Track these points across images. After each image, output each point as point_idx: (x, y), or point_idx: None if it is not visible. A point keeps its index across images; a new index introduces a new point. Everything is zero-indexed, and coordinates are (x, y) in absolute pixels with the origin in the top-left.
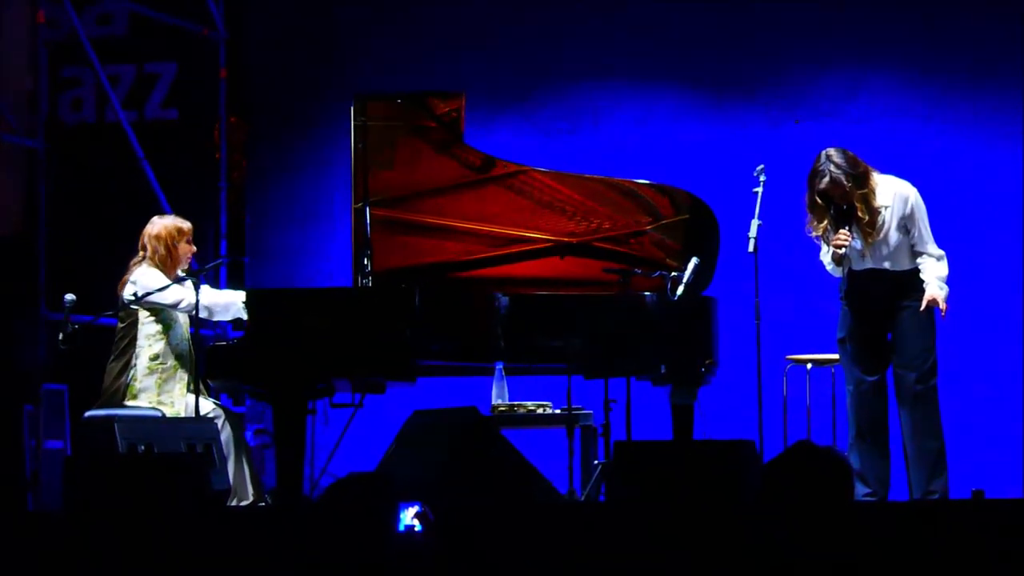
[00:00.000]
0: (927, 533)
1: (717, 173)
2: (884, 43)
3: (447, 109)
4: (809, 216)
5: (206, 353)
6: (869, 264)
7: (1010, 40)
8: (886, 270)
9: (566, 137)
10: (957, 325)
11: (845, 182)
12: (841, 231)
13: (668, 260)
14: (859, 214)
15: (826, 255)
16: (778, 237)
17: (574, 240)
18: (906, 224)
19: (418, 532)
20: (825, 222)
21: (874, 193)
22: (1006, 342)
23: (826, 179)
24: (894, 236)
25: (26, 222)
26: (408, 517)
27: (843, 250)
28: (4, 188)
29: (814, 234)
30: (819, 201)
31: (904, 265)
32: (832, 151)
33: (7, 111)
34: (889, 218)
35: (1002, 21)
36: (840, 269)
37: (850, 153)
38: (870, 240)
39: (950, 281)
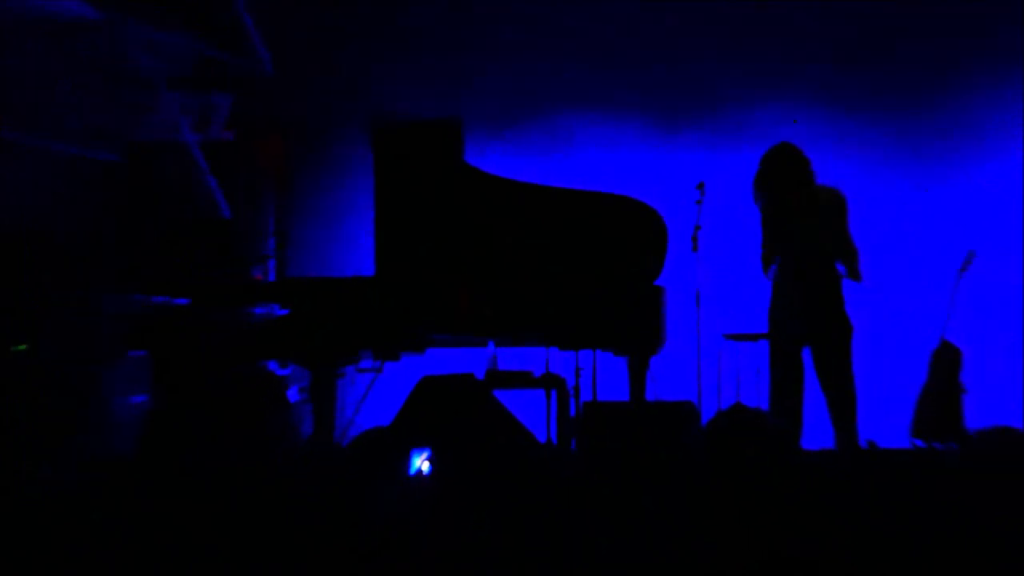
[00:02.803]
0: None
1: (666, 186)
2: (806, 80)
3: (450, 131)
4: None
5: (256, 329)
6: None
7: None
8: None
9: (545, 156)
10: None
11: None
12: None
13: (626, 256)
14: None
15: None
16: (715, 238)
17: (550, 238)
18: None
19: (426, 474)
20: None
21: None
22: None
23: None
24: None
25: (103, 222)
26: (418, 462)
27: None
28: (86, 196)
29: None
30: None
31: None
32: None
33: (90, 133)
34: None
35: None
36: None
37: None
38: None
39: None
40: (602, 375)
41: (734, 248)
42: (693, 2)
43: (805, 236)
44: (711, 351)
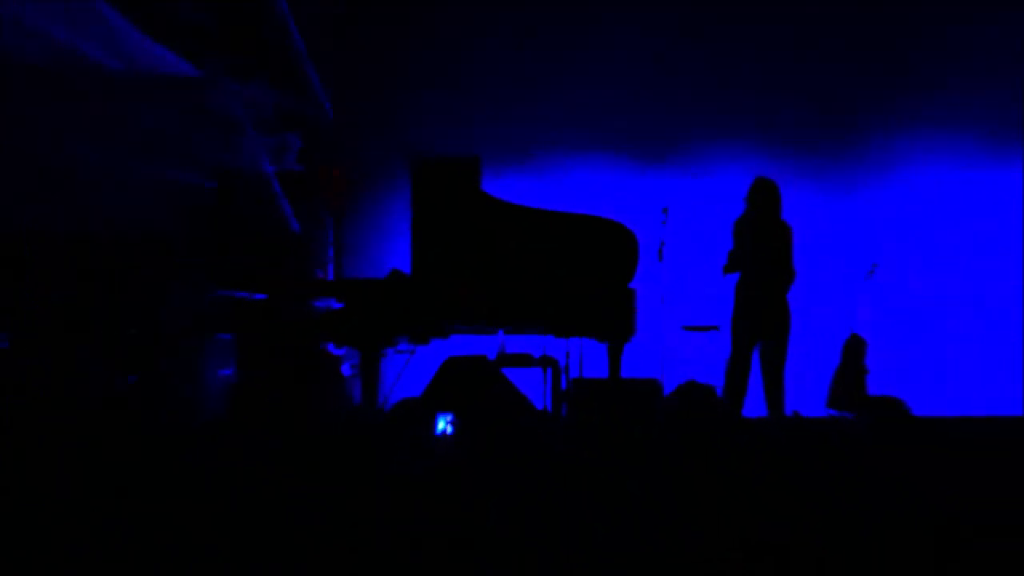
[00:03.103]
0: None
1: (638, 210)
2: (744, 126)
3: (471, 167)
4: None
5: (317, 318)
6: None
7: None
8: None
9: (545, 183)
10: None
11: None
12: None
13: (607, 264)
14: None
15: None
16: (676, 251)
17: (548, 250)
18: None
19: (449, 433)
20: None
21: None
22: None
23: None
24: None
25: (201, 230)
26: (443, 424)
27: None
28: (191, 213)
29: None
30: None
31: None
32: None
33: (194, 165)
34: None
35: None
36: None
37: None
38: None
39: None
40: (587, 357)
41: (691, 258)
42: (656, 70)
43: (770, 257)
44: (672, 340)
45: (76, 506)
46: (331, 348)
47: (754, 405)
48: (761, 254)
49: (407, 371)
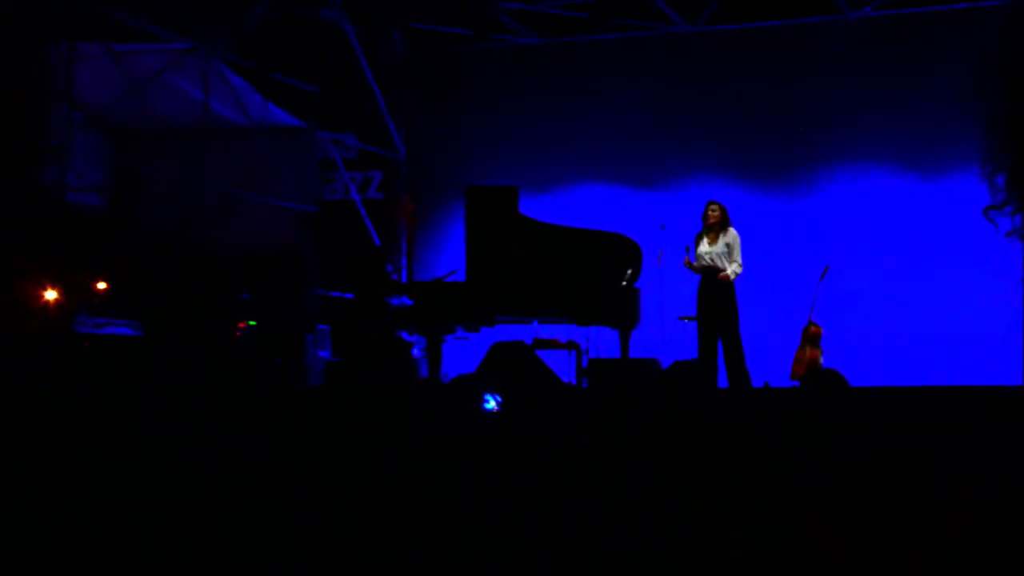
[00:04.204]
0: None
1: (641, 226)
2: (721, 161)
3: (510, 193)
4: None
5: (395, 312)
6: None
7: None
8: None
9: (568, 205)
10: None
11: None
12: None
13: (617, 269)
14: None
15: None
16: (672, 258)
17: (571, 258)
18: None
19: (496, 410)
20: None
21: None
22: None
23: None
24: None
25: (307, 247)
26: (490, 402)
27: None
28: (298, 231)
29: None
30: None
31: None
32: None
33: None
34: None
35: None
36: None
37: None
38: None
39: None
40: (603, 342)
41: (681, 262)
42: (653, 117)
43: (718, 256)
44: (669, 328)
45: (76, 506)
46: (404, 336)
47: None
48: (706, 260)
49: (462, 353)
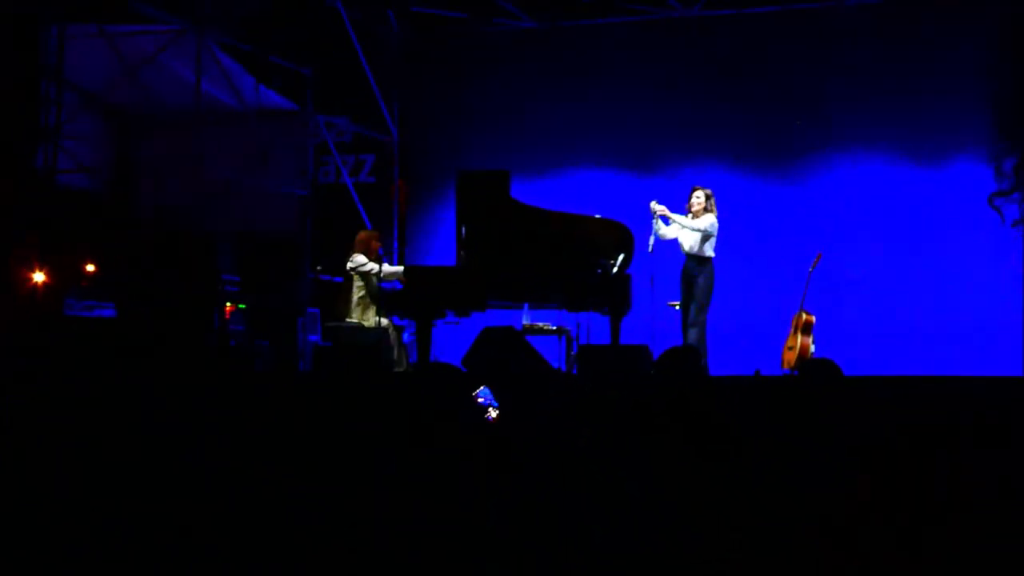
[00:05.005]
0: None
1: (635, 212)
2: (715, 148)
3: (502, 178)
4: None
5: (384, 296)
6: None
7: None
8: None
9: (561, 190)
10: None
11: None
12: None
13: (609, 255)
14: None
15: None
16: (662, 244)
17: (563, 243)
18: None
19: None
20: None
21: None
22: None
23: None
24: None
25: (299, 230)
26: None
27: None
28: (290, 214)
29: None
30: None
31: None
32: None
33: (294, 179)
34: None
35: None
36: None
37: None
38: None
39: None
40: (593, 328)
41: (674, 250)
42: (648, 102)
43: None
44: (661, 313)
45: (76, 506)
46: (395, 320)
47: (718, 365)
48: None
49: (452, 337)
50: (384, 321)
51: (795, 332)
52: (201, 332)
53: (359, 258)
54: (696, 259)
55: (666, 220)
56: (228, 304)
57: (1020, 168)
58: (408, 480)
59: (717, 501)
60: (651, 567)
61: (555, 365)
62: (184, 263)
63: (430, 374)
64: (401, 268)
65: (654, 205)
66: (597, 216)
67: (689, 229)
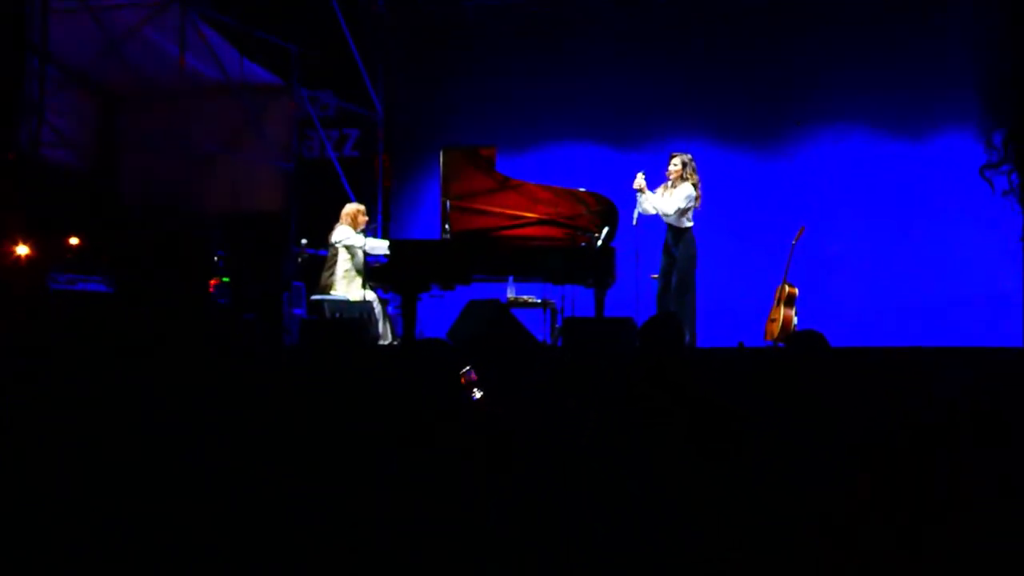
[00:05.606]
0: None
1: (619, 187)
2: (700, 121)
3: (487, 153)
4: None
5: (369, 269)
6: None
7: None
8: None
9: (546, 165)
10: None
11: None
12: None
13: (593, 228)
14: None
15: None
16: (647, 218)
17: (548, 217)
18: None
19: (471, 377)
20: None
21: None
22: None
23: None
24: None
25: (284, 205)
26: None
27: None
28: (276, 189)
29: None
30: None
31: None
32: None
33: (279, 153)
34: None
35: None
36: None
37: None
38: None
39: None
40: (578, 300)
41: (658, 223)
42: (634, 77)
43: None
44: (645, 286)
45: (76, 506)
46: (379, 293)
47: (701, 337)
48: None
49: (437, 310)
50: (369, 294)
51: (778, 304)
52: (198, 310)
53: (345, 230)
54: (674, 230)
55: (636, 195)
56: (212, 278)
57: (1009, 141)
58: (408, 479)
59: (717, 499)
60: (651, 566)
61: (540, 338)
62: (182, 238)
63: (421, 352)
64: (386, 242)
65: (639, 180)
66: (582, 189)
67: (662, 206)
